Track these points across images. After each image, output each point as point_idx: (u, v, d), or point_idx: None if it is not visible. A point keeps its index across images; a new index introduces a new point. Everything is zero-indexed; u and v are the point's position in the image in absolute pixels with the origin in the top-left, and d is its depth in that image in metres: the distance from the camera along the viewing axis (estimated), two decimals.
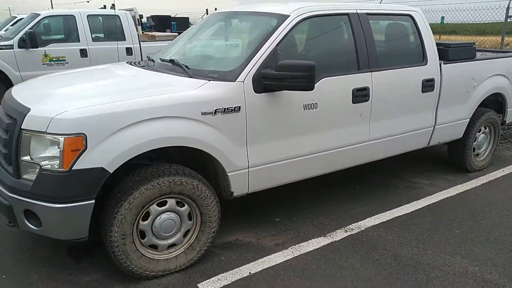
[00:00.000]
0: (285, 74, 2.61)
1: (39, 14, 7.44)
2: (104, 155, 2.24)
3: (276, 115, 2.80)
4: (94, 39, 7.65)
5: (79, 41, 7.55)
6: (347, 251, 2.94)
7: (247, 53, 2.80)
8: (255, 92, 2.69)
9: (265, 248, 2.97)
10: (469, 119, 4.19)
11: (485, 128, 4.54)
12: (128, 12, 8.15)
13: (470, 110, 4.15)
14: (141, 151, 2.33)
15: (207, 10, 15.20)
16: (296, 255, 2.88)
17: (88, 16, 7.67)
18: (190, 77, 2.73)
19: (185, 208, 2.61)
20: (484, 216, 3.50)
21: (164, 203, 2.53)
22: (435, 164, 4.75)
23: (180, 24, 13.16)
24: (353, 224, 3.32)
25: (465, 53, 3.99)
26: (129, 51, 7.95)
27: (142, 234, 2.52)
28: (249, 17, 3.29)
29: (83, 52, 7.54)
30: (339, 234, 3.16)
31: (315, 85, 2.90)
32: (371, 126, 3.36)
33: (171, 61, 3.04)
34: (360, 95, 3.19)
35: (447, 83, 3.82)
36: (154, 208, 2.49)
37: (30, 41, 6.97)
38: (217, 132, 2.58)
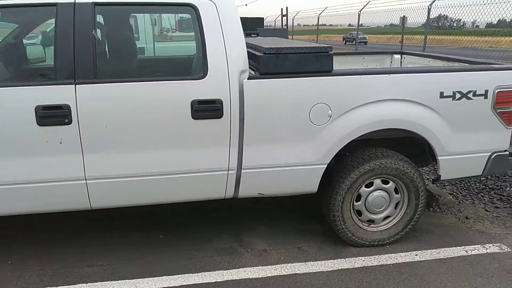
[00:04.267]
0: None
1: None
2: None
3: None
4: None
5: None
6: None
7: None
8: None
9: None
10: (325, 166, 2.71)
11: (385, 183, 2.89)
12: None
13: (323, 152, 2.66)
14: None
15: (282, 9, 14.32)
16: None
17: None
18: None
19: None
20: None
21: None
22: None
23: (251, 25, 12.59)
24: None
25: (307, 63, 2.54)
26: None
27: None
28: None
29: None
30: None
31: None
32: (87, 159, 2.41)
33: None
34: (52, 115, 2.30)
35: (253, 108, 2.50)
36: None
37: None
38: None
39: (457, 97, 2.73)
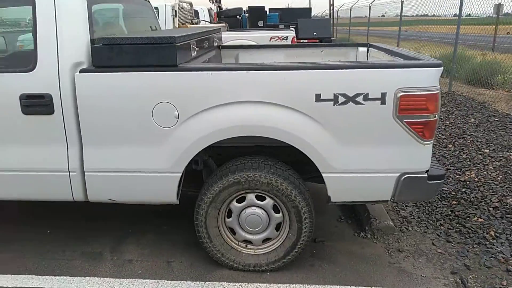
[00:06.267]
0: None
1: None
2: None
3: None
4: None
5: None
6: None
7: None
8: None
9: None
10: (179, 174, 2.35)
11: (261, 199, 2.44)
12: (169, 4, 8.18)
13: (174, 159, 2.31)
14: None
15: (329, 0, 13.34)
16: None
17: None
18: None
19: None
20: None
21: None
22: None
23: (298, 15, 11.93)
24: None
25: (146, 56, 2.19)
26: None
27: None
28: None
29: None
30: None
31: None
32: None
33: None
34: None
35: (87, 105, 2.25)
36: None
37: None
38: None
39: (340, 101, 2.16)
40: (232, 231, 2.53)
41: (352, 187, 2.33)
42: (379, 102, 2.16)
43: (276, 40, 7.98)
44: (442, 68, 2.18)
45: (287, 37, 8.02)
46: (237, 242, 2.55)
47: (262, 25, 11.40)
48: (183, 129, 2.26)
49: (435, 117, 2.20)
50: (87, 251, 2.78)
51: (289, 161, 2.58)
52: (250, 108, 2.20)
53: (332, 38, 10.74)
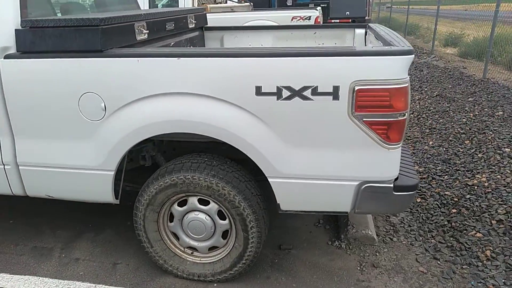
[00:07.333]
0: None
1: None
2: None
3: None
4: None
5: None
6: None
7: None
8: None
9: None
10: (112, 173, 2.12)
11: (204, 204, 2.16)
12: None
13: (104, 156, 2.08)
14: None
15: None
16: None
17: None
18: None
19: None
20: None
21: None
22: None
23: None
24: None
25: (70, 41, 1.94)
26: None
27: None
28: None
29: None
30: None
31: None
32: None
33: None
34: None
35: (14, 93, 2.06)
36: None
37: None
38: None
39: (284, 96, 1.82)
40: (176, 237, 2.29)
41: (303, 195, 1.99)
42: (331, 97, 1.79)
43: (298, 20, 7.48)
44: (413, 56, 1.76)
45: (309, 17, 7.49)
46: (182, 249, 2.31)
47: (291, 4, 10.86)
48: (111, 123, 2.01)
49: (403, 116, 1.80)
50: (39, 245, 2.66)
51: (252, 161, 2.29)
52: (180, 101, 1.91)
53: (366, 18, 9.99)
